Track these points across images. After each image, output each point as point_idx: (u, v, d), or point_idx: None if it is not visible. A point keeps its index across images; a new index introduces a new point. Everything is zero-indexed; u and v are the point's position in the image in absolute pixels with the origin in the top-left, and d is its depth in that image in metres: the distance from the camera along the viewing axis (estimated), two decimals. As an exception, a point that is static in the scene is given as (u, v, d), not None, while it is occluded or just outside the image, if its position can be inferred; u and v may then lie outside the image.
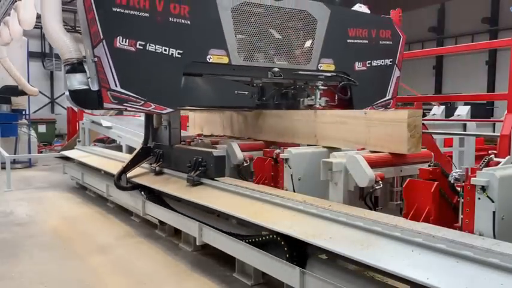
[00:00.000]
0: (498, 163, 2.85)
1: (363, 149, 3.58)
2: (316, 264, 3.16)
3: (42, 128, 16.11)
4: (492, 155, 2.95)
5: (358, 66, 5.41)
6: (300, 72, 5.01)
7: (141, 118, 8.90)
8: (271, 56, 4.91)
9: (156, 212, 5.00)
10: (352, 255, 2.49)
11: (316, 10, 5.03)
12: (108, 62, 3.97)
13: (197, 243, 4.16)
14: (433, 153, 3.72)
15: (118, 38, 3.99)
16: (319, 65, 5.09)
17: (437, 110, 7.23)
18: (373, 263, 2.38)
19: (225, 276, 3.95)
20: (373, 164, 3.19)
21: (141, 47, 4.09)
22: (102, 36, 3.94)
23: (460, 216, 2.64)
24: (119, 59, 4.01)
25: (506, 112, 4.50)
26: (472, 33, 21.85)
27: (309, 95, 5.30)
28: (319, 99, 5.21)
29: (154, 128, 5.56)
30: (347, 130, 3.81)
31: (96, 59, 3.97)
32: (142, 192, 5.39)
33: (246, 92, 4.77)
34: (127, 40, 4.03)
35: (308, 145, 4.29)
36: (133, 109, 4.24)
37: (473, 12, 21.74)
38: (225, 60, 4.51)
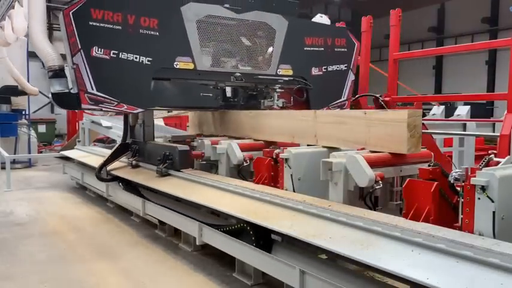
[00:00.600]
0: (498, 163, 2.84)
1: (363, 149, 3.58)
2: (280, 249, 3.47)
3: (42, 128, 16.10)
4: (492, 155, 2.94)
5: (315, 71, 5.99)
6: (260, 76, 5.59)
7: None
8: (234, 62, 5.50)
9: (156, 212, 5.00)
10: (352, 255, 2.49)
11: (275, 21, 5.59)
12: (86, 69, 4.56)
13: (197, 243, 4.17)
14: (432, 153, 3.71)
15: (94, 47, 4.58)
16: (278, 70, 5.67)
17: (437, 110, 7.23)
18: (373, 263, 2.38)
19: (225, 276, 3.95)
20: (373, 164, 3.19)
21: (115, 56, 4.68)
22: (80, 47, 4.52)
23: (460, 216, 2.64)
24: (95, 66, 4.59)
25: (506, 112, 4.50)
26: (472, 33, 21.87)
27: (271, 96, 5.84)
28: (277, 100, 5.81)
29: (131, 126, 6.14)
30: (347, 130, 3.81)
31: (75, 66, 4.56)
32: (120, 183, 6.01)
33: (211, 94, 5.50)
34: (102, 50, 4.62)
35: (308, 145, 4.29)
36: (108, 109, 4.87)
37: (473, 12, 21.75)
38: (191, 66, 5.07)
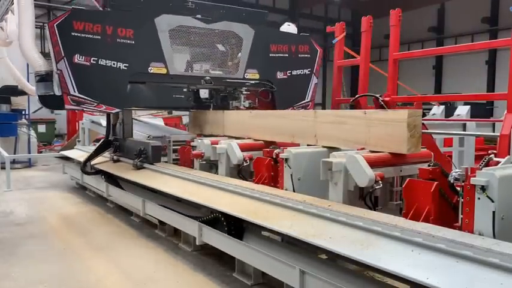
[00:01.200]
0: (498, 163, 2.84)
1: (363, 148, 3.57)
2: (251, 237, 3.80)
3: (42, 128, 16.09)
4: (492, 155, 2.94)
5: (280, 75, 6.62)
6: (228, 80, 6.23)
7: (142, 118, 8.94)
8: (205, 67, 6.16)
9: (156, 213, 5.00)
10: (353, 255, 2.49)
11: (242, 30, 6.21)
12: (68, 74, 5.15)
13: (197, 243, 4.17)
14: (432, 153, 3.71)
15: (76, 55, 5.18)
16: (246, 74, 6.29)
17: (437, 110, 7.22)
18: (373, 263, 2.38)
19: (225, 276, 3.95)
20: (373, 164, 3.19)
21: (95, 62, 5.28)
22: (63, 54, 5.12)
23: (460, 216, 2.64)
24: (77, 71, 5.18)
25: (506, 112, 4.49)
26: (472, 33, 21.86)
27: (238, 98, 6.50)
28: (244, 101, 6.50)
29: (113, 125, 6.66)
30: (347, 130, 3.80)
31: (59, 72, 5.15)
32: (103, 176, 6.59)
33: (182, 96, 6.08)
34: (83, 57, 5.22)
35: (308, 145, 4.29)
36: (89, 109, 5.51)
37: (473, 12, 21.75)
38: (164, 71, 5.67)
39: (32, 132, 12.55)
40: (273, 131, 4.81)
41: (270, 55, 6.50)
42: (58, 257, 4.55)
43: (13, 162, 10.55)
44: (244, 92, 6.49)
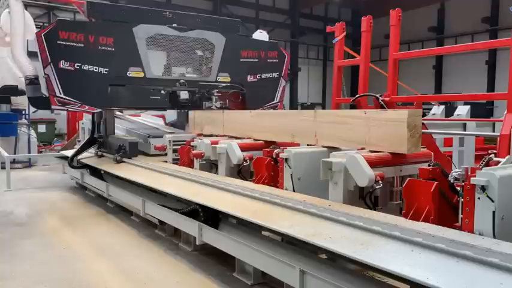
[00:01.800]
0: (498, 163, 2.84)
1: (363, 148, 3.58)
2: (226, 227, 4.11)
3: (42, 128, 16.07)
4: (492, 155, 2.94)
5: (250, 78, 7.28)
6: (202, 83, 6.89)
7: (142, 118, 8.94)
8: (181, 71, 6.79)
9: (157, 212, 5.00)
10: (353, 255, 2.49)
11: (214, 38, 6.87)
12: (55, 78, 5.74)
13: (197, 243, 4.17)
14: (432, 153, 3.71)
15: (61, 61, 5.75)
16: (218, 77, 6.92)
17: (437, 110, 7.22)
18: (374, 263, 2.38)
19: (225, 275, 3.95)
20: (373, 164, 3.19)
21: (78, 67, 5.87)
22: (50, 60, 5.71)
23: (460, 215, 2.64)
24: (62, 76, 5.77)
25: (506, 112, 4.49)
26: (472, 32, 21.88)
27: (211, 99, 7.16)
28: (215, 102, 7.14)
29: (97, 123, 7.24)
30: (347, 130, 3.80)
31: (46, 76, 5.76)
32: (88, 170, 7.26)
33: (159, 97, 6.70)
34: (68, 63, 5.81)
35: (308, 145, 4.29)
36: (73, 109, 6.19)
37: (473, 11, 21.76)
38: (141, 74, 6.27)
39: (32, 132, 12.54)
40: (273, 130, 4.81)
41: (241, 60, 7.14)
42: (58, 257, 4.55)
43: (13, 162, 10.54)
44: (215, 94, 7.13)
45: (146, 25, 6.33)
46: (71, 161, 7.31)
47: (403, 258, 2.35)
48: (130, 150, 6.26)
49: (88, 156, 7.31)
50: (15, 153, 11.09)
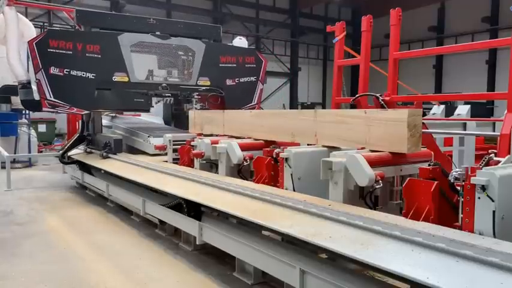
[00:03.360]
0: (498, 162, 2.84)
1: (363, 148, 3.57)
2: (208, 219, 4.35)
3: (42, 128, 16.07)
4: (492, 154, 2.93)
5: (229, 82, 7.72)
6: (183, 86, 7.36)
7: (142, 118, 8.95)
8: (163, 75, 7.20)
9: (157, 212, 5.01)
10: (353, 255, 2.49)
11: (194, 45, 7.34)
12: (45, 82, 6.18)
13: (197, 243, 4.17)
14: (433, 153, 3.71)
15: (52, 67, 6.20)
16: (198, 81, 7.39)
17: (437, 109, 7.21)
18: (374, 263, 2.38)
19: (225, 275, 3.95)
20: (373, 163, 3.18)
21: (67, 73, 6.30)
22: (41, 67, 6.13)
23: (460, 215, 2.64)
24: (52, 80, 6.22)
25: (506, 111, 4.48)
26: (472, 32, 21.86)
27: (191, 101, 7.67)
28: (195, 104, 7.69)
29: (86, 122, 7.72)
30: (347, 129, 3.80)
31: (37, 81, 6.20)
32: (78, 165, 7.78)
33: (142, 100, 7.08)
34: (58, 68, 6.24)
35: (308, 144, 4.28)
36: (63, 111, 6.73)
37: (474, 11, 21.74)
38: (126, 79, 6.76)
39: (32, 132, 12.55)
40: (273, 130, 4.81)
41: (220, 65, 7.59)
42: (58, 257, 4.55)
43: (13, 161, 10.55)
44: (195, 97, 7.63)
45: (130, 33, 6.82)
46: (62, 157, 7.98)
47: (404, 257, 2.35)
48: (115, 147, 6.74)
49: (78, 153, 7.83)
50: (15, 153, 11.09)
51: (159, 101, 7.63)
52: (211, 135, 5.81)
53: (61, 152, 7.96)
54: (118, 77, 6.68)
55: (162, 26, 7.28)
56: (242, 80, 7.88)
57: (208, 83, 7.50)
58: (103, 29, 6.92)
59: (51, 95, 6.23)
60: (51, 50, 6.17)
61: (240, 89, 7.84)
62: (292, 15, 26.55)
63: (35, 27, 9.31)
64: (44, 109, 6.37)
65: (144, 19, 7.23)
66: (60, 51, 6.23)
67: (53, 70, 6.20)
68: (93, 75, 6.47)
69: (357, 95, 5.85)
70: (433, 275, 2.11)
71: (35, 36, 6.69)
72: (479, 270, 2.08)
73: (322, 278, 2.81)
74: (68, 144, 8.02)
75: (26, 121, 12.45)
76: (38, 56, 6.11)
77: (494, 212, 2.39)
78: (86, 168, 7.55)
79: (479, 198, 2.44)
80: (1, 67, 11.04)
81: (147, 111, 7.54)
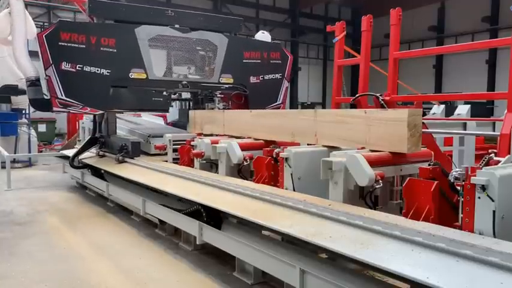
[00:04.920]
0: (498, 162, 2.84)
1: (363, 148, 3.57)
2: (227, 227, 4.15)
3: (42, 128, 16.09)
4: (492, 154, 2.94)
5: (253, 79, 7.14)
6: (205, 84, 6.81)
7: (142, 118, 8.94)
8: (183, 72, 6.68)
9: (157, 212, 5.00)
10: (353, 255, 2.49)
11: (216, 39, 6.74)
12: (56, 79, 5.68)
13: (197, 243, 4.17)
14: (433, 152, 3.71)
15: (63, 62, 5.69)
16: (220, 78, 6.81)
17: (437, 109, 7.21)
18: (374, 262, 2.38)
19: (225, 275, 3.95)
20: (373, 163, 3.19)
21: (80, 69, 5.79)
22: (51, 62, 5.65)
23: (460, 215, 2.64)
24: (64, 77, 5.71)
25: (506, 111, 4.48)
26: (472, 32, 21.86)
27: (213, 100, 7.07)
28: (218, 104, 7.05)
29: (99, 123, 7.17)
30: (347, 129, 3.80)
31: (47, 77, 5.69)
32: (89, 170, 7.24)
33: (161, 99, 6.52)
34: (69, 64, 5.72)
35: (308, 144, 4.29)
36: (75, 111, 6.16)
37: (474, 11, 21.74)
38: (144, 76, 6.20)
39: (33, 132, 12.54)
40: (273, 130, 4.81)
41: (244, 61, 7.05)
42: (58, 257, 4.55)
43: (13, 161, 10.54)
44: (218, 95, 7.06)
45: (148, 26, 6.24)
46: (72, 161, 7.26)
47: (404, 257, 2.35)
48: (132, 150, 6.14)
49: (89, 156, 7.24)
50: (15, 153, 11.09)
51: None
52: (211, 135, 5.82)
53: (71, 155, 7.29)
54: (135, 74, 6.15)
55: (181, 18, 6.61)
56: (267, 77, 7.30)
57: (231, 80, 6.93)
58: (117, 21, 6.32)
59: (63, 94, 5.72)
60: (63, 44, 5.67)
61: (265, 87, 7.26)
62: (292, 15, 26.55)
63: (36, 27, 9.30)
64: (54, 109, 5.85)
65: (162, 10, 6.61)
66: (73, 44, 5.72)
67: (65, 66, 5.68)
68: (108, 72, 5.95)
69: (357, 95, 5.86)
70: (433, 275, 2.11)
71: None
72: (479, 270, 2.08)
73: (322, 278, 2.81)
74: (79, 148, 7.46)
75: (26, 121, 12.45)
76: (48, 50, 5.62)
77: (494, 211, 2.39)
78: (98, 173, 7.06)
79: (479, 198, 2.44)
80: (1, 67, 11.09)
81: (166, 111, 7.04)
